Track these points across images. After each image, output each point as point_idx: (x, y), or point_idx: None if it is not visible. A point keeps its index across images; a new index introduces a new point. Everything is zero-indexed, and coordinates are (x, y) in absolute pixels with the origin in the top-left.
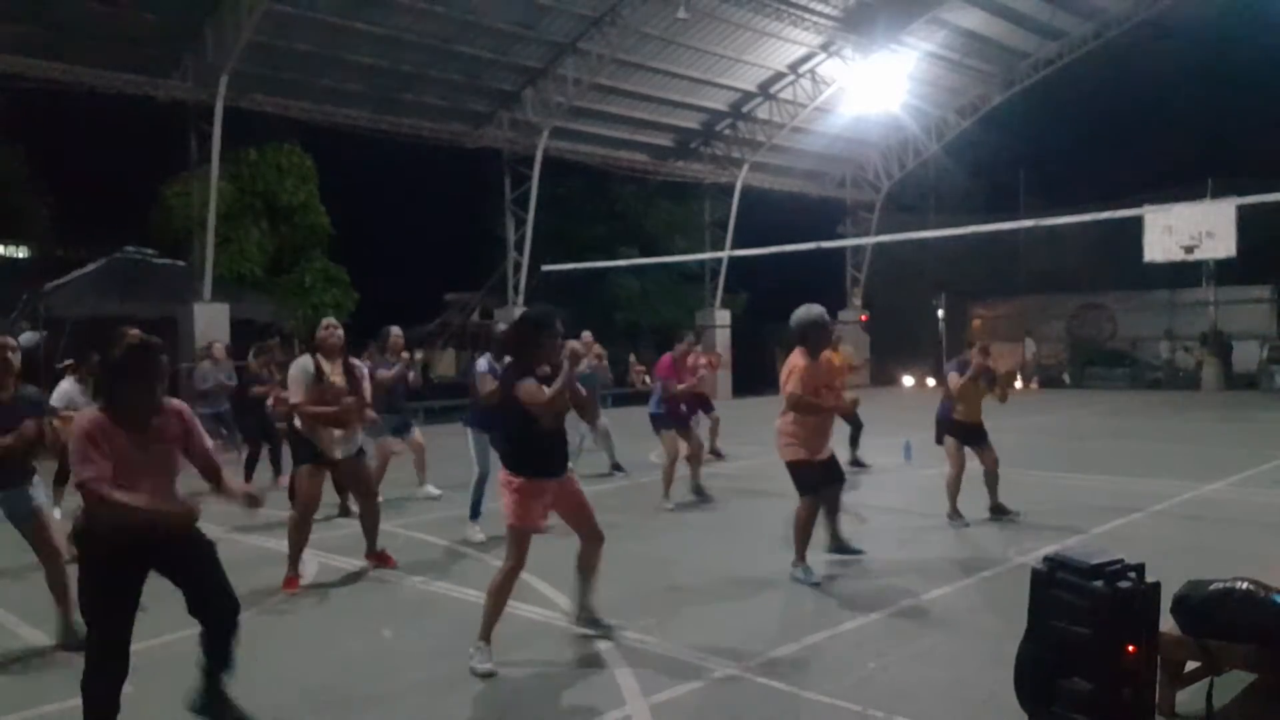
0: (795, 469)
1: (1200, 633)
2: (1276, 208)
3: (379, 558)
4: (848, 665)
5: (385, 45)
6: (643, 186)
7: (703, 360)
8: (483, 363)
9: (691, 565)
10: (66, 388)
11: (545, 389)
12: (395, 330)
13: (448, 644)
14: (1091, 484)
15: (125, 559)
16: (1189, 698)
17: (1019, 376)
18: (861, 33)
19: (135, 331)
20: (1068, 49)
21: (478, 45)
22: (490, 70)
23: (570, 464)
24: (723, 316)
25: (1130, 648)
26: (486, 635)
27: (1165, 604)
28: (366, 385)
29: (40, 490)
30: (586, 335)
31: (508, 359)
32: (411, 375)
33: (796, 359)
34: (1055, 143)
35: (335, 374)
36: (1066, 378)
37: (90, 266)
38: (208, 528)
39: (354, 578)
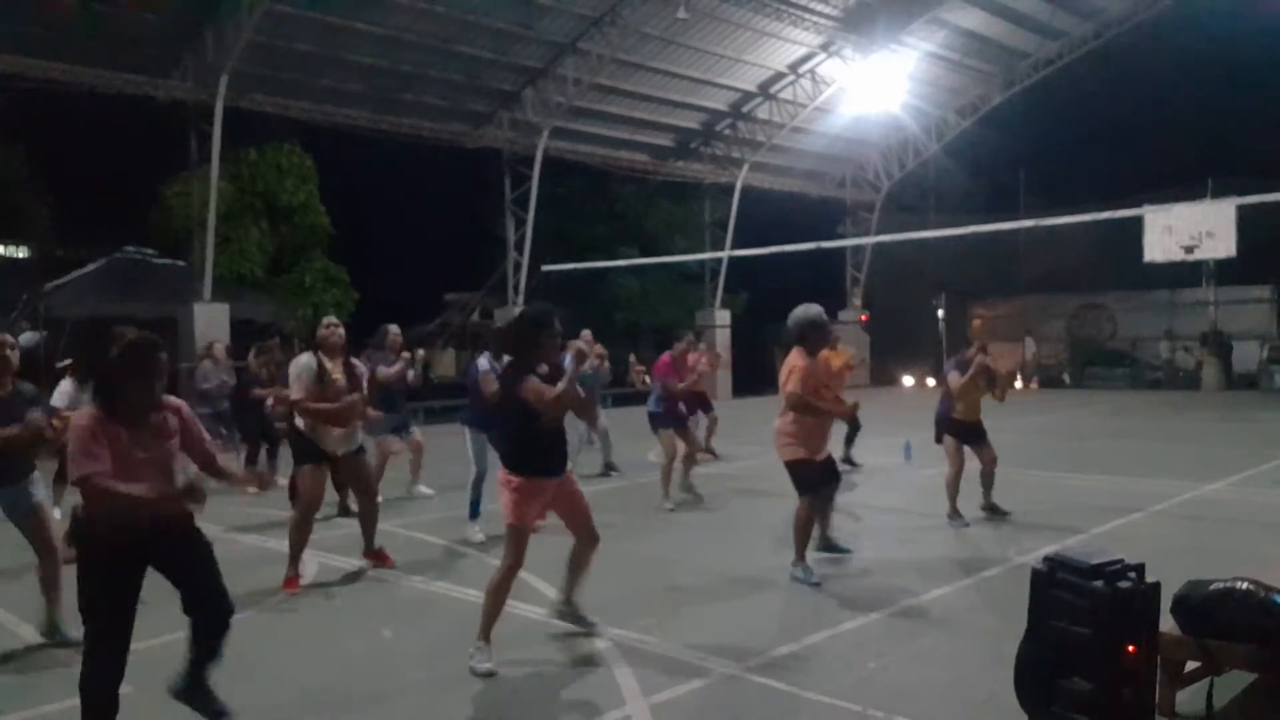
0: (795, 469)
1: (1200, 633)
2: (1276, 208)
3: (376, 556)
4: (848, 665)
5: (385, 45)
6: (643, 186)
7: (702, 360)
8: (484, 362)
9: (691, 565)
10: (67, 388)
11: (550, 387)
12: (394, 328)
13: (447, 644)
14: (1091, 484)
15: (124, 557)
16: (1189, 698)
17: (1019, 376)
18: (861, 33)
19: (133, 330)
20: (1068, 49)
21: (478, 45)
22: (490, 70)
23: (570, 464)
24: (723, 316)
25: (1130, 648)
26: (486, 635)
27: (1165, 604)
28: (364, 385)
29: (40, 487)
30: (586, 334)
31: (507, 358)
32: (411, 374)
33: (795, 359)
34: (1055, 143)
35: (336, 372)
36: (1066, 378)
37: (90, 266)
38: (207, 528)
39: (354, 578)
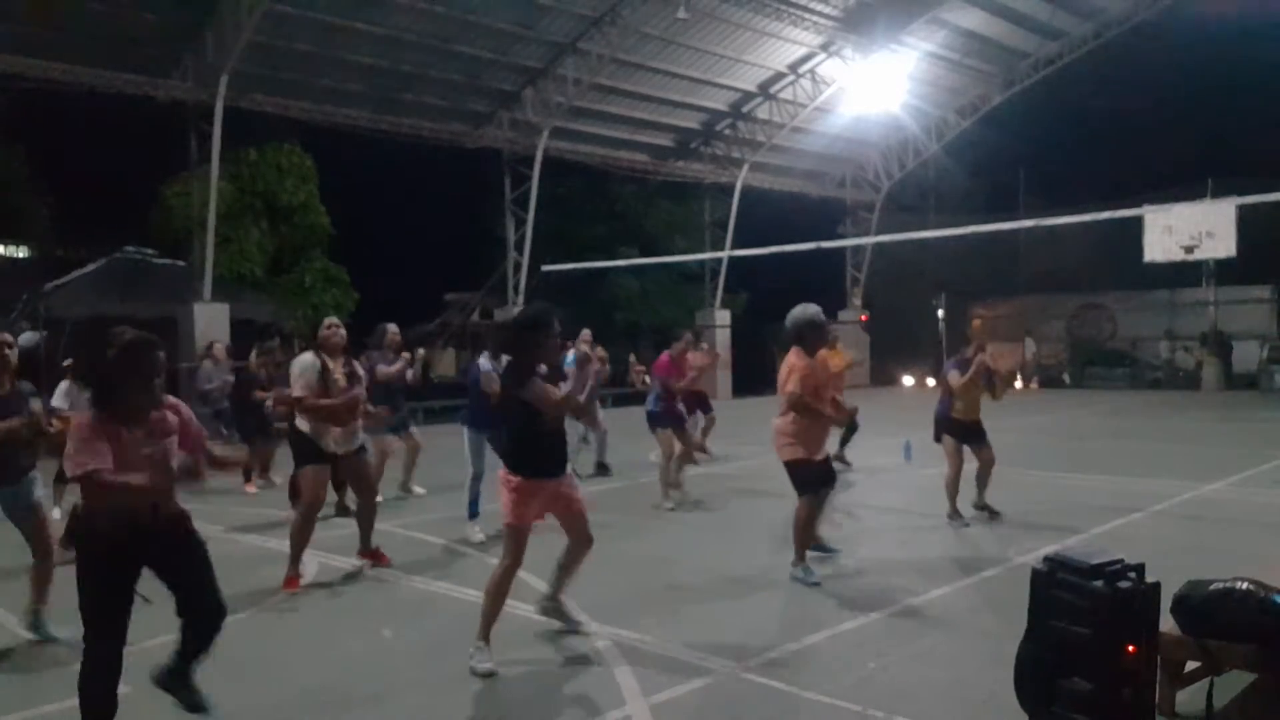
0: (794, 469)
1: (1200, 633)
2: (1276, 208)
3: (373, 555)
4: (848, 665)
5: (385, 45)
6: (643, 186)
7: (700, 359)
8: (484, 363)
9: (691, 565)
10: (68, 388)
11: (554, 390)
12: (392, 327)
13: (447, 643)
14: (1091, 484)
15: (123, 556)
16: (1189, 698)
17: (1019, 376)
18: (861, 33)
19: (130, 330)
20: (1068, 49)
21: (478, 45)
22: (490, 70)
23: (570, 465)
24: (723, 316)
25: (1130, 648)
26: (486, 634)
27: (1165, 604)
28: (364, 384)
29: (39, 486)
30: (585, 334)
31: (504, 357)
32: (411, 373)
33: (793, 359)
34: (1055, 143)
35: (338, 372)
36: (1066, 378)
37: (90, 266)
38: (207, 528)
39: (354, 578)
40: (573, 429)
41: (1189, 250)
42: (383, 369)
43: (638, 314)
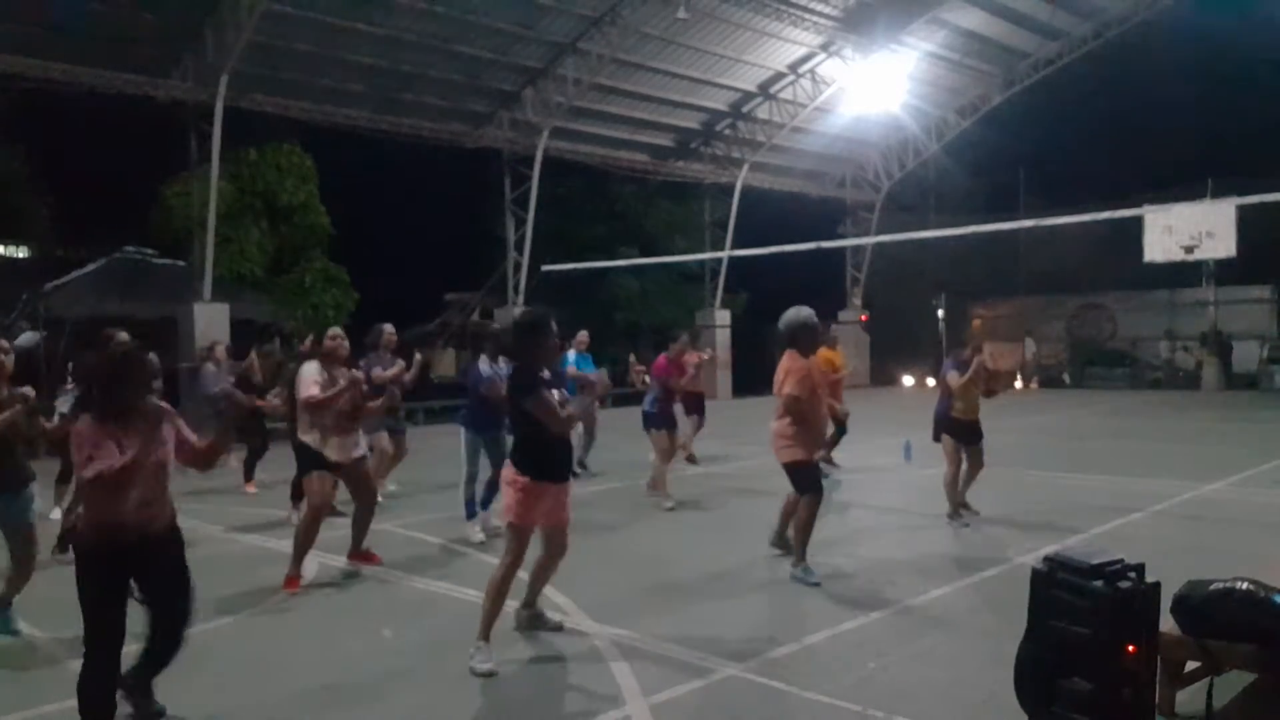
0: (794, 469)
1: (1200, 633)
2: (1276, 208)
3: (362, 557)
4: (848, 665)
5: (385, 45)
6: (643, 186)
7: (696, 358)
8: (484, 367)
9: (691, 565)
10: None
11: (557, 406)
12: (388, 327)
13: (447, 643)
14: (1091, 484)
15: (123, 560)
16: (1189, 698)
17: (1019, 376)
18: (861, 33)
19: (122, 335)
20: (1068, 49)
21: (478, 45)
22: (490, 70)
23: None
24: (723, 316)
25: (1130, 648)
26: (486, 634)
27: (1165, 604)
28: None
29: (36, 504)
30: (583, 335)
31: (503, 359)
32: (409, 377)
33: (789, 362)
34: (1055, 143)
35: (341, 380)
36: (1066, 378)
37: (90, 266)
38: (207, 528)
39: (354, 578)
40: (575, 431)
41: (1189, 250)
42: (378, 372)
43: (637, 314)
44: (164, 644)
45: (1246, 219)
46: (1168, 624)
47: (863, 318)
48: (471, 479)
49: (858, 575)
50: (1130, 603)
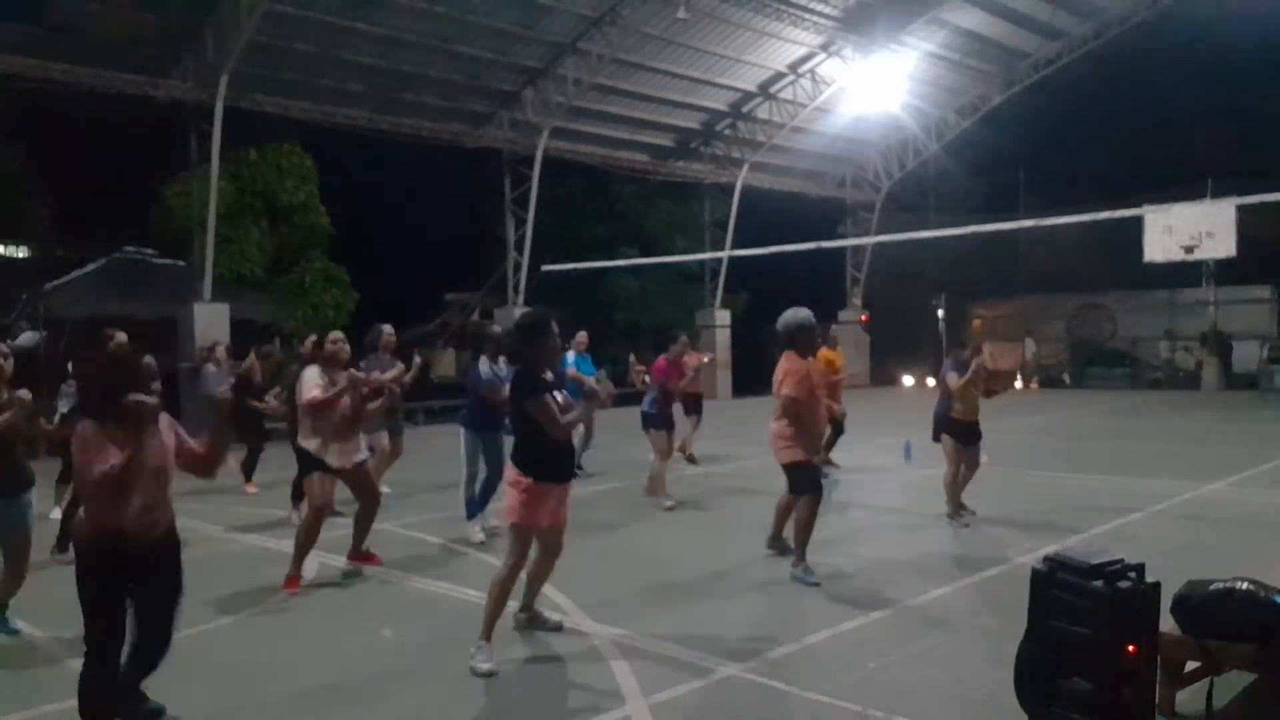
0: (794, 470)
1: (1200, 633)
2: (1276, 208)
3: (363, 558)
4: (848, 665)
5: (385, 45)
6: (643, 186)
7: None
8: (484, 369)
9: (691, 564)
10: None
11: (561, 417)
12: (387, 328)
13: (448, 643)
14: (1091, 484)
15: (123, 561)
16: (1189, 698)
17: (1019, 376)
18: (861, 33)
19: (120, 336)
20: (1068, 49)
21: (478, 45)
22: (490, 70)
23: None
24: (723, 316)
25: (1130, 648)
26: (487, 634)
27: (1165, 604)
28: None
29: (34, 510)
30: (582, 335)
31: (503, 360)
32: (408, 378)
33: (787, 363)
34: (1055, 143)
35: (342, 383)
36: (1066, 378)
37: (90, 266)
38: (207, 528)
39: (354, 578)
40: (576, 431)
41: (1189, 250)
42: (377, 375)
43: (637, 314)
44: (153, 646)
45: (1246, 219)
46: (1168, 624)
47: (863, 318)
48: (471, 479)
49: (857, 575)
50: (1130, 603)
